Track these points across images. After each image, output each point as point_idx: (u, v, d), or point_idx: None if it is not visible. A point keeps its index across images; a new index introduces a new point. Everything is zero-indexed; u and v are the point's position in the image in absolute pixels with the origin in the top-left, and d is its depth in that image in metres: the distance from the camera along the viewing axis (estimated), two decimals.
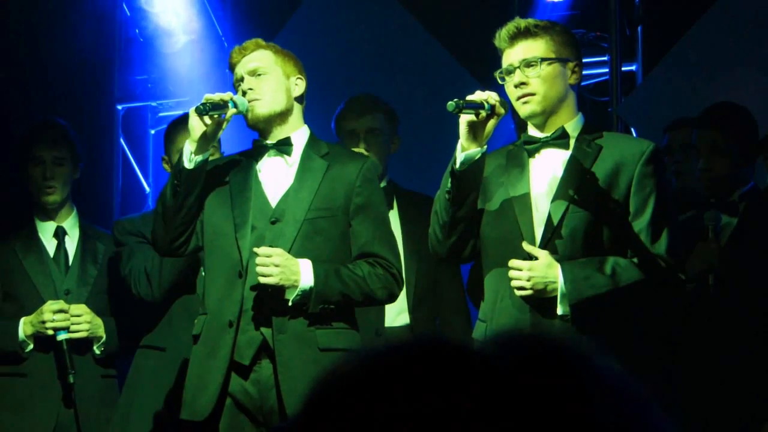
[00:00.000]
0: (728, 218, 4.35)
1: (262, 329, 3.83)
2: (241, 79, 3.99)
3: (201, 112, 3.82)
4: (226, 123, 3.90)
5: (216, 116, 3.84)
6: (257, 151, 4.02)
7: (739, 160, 4.37)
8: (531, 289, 3.54)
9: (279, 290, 3.80)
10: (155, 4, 6.65)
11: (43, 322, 4.59)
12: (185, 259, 4.45)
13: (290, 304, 3.80)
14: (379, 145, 4.83)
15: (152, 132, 6.94)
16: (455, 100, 3.52)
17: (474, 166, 3.58)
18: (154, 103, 6.93)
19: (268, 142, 4.00)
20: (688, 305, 4.20)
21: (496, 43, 3.70)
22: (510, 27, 3.67)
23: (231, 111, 3.85)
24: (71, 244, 4.89)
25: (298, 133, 4.02)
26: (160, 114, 6.89)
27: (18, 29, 6.39)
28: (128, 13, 6.79)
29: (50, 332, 4.58)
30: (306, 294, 3.80)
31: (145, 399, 4.52)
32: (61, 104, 6.57)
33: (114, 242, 4.78)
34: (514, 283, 3.57)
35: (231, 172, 4.01)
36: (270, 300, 3.82)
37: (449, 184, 3.61)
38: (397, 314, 4.76)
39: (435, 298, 4.82)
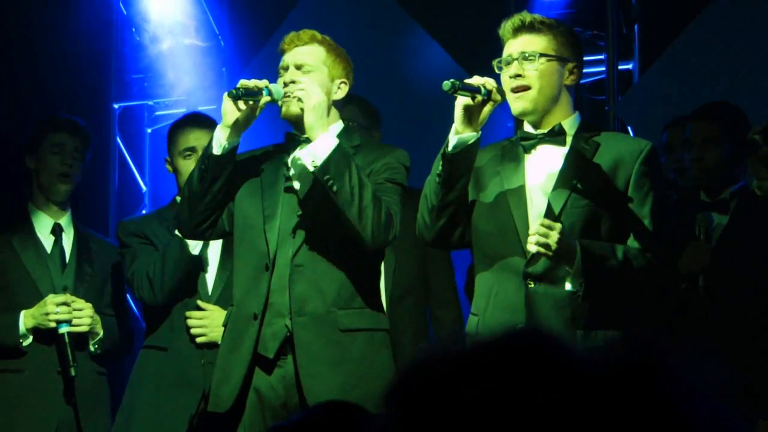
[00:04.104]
0: (719, 217, 4.35)
1: (285, 319, 3.79)
2: (286, 68, 3.93)
3: (234, 96, 3.76)
4: (260, 111, 3.84)
5: (250, 102, 3.78)
6: (290, 143, 3.97)
7: (731, 155, 4.37)
8: (554, 251, 3.42)
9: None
10: (152, 3, 6.65)
11: (47, 314, 4.50)
12: (187, 264, 4.49)
13: (312, 169, 3.73)
14: None
15: (149, 131, 6.93)
16: (452, 80, 3.50)
17: (466, 152, 3.55)
18: (150, 102, 6.92)
19: (301, 135, 3.92)
20: (680, 306, 4.21)
21: (500, 33, 3.69)
22: (515, 19, 3.66)
23: (265, 99, 3.79)
24: (68, 241, 4.81)
25: (331, 126, 3.94)
26: (157, 113, 6.88)
27: (14, 28, 6.39)
28: (125, 12, 6.79)
29: (53, 324, 4.50)
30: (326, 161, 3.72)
31: (147, 399, 4.51)
32: (58, 103, 6.56)
33: (119, 243, 4.74)
34: (537, 239, 3.43)
35: (263, 163, 3.97)
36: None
37: (440, 167, 3.58)
38: None
39: (425, 292, 4.80)
